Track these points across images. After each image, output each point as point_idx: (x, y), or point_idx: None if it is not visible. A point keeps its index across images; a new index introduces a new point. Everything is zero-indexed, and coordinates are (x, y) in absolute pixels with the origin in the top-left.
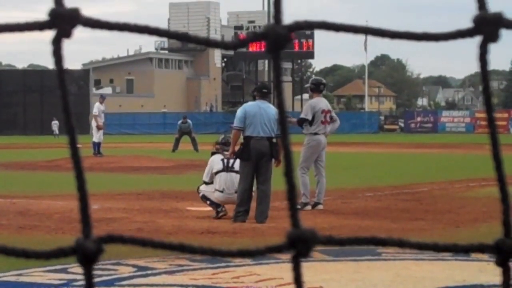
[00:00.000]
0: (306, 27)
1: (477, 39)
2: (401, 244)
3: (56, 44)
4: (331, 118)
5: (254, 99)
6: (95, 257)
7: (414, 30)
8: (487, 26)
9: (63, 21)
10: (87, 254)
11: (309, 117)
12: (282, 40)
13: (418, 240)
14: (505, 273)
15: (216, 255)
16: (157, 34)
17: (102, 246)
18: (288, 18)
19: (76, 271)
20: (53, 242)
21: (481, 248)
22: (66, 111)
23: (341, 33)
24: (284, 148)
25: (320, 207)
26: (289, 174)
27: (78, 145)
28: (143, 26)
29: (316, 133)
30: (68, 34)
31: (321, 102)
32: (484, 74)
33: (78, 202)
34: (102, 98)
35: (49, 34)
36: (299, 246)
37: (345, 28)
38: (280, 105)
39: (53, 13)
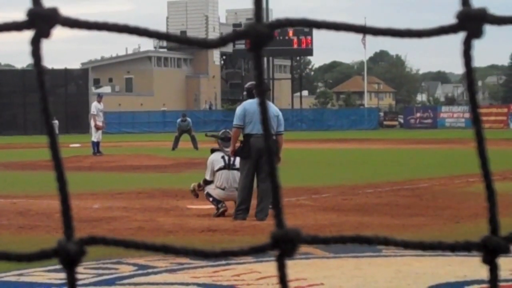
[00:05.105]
0: (287, 25)
1: (461, 35)
2: (386, 242)
3: (35, 45)
4: None
5: (247, 97)
6: (77, 259)
7: (399, 27)
8: (470, 22)
9: (41, 21)
10: (69, 256)
11: None
12: (263, 38)
13: (403, 238)
14: (492, 271)
15: (199, 255)
16: (137, 33)
17: (84, 248)
18: (289, 15)
19: (77, 270)
20: (53, 242)
21: (467, 246)
22: (46, 112)
23: (323, 30)
24: (267, 149)
25: None
26: (273, 173)
27: (60, 146)
28: (122, 25)
29: None
30: (46, 34)
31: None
32: (469, 70)
33: (59, 203)
34: (100, 97)
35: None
36: (283, 245)
37: (326, 25)
38: (262, 104)
39: (31, 13)
